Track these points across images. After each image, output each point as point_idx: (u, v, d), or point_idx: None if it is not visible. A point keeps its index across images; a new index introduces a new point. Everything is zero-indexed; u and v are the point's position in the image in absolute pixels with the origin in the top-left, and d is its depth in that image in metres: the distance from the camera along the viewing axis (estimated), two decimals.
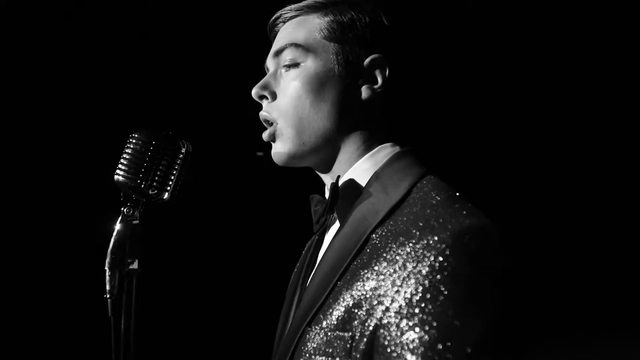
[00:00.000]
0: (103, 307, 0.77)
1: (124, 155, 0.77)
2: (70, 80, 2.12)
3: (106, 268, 0.76)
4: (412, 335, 0.54)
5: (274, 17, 0.83)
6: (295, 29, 0.78)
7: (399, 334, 0.55)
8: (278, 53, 0.78)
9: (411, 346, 0.53)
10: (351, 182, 0.75)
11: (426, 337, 0.53)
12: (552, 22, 2.64)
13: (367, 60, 0.75)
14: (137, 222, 0.78)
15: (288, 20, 0.81)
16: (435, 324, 0.53)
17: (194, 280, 2.22)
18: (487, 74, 2.59)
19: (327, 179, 0.81)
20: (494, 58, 2.57)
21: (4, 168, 2.04)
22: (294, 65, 0.76)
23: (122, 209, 0.78)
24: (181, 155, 0.79)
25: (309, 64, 0.75)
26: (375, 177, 0.73)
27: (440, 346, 0.52)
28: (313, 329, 0.65)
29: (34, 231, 2.06)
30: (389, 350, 0.55)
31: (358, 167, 0.76)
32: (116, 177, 0.77)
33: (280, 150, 0.78)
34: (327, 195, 0.80)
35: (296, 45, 0.75)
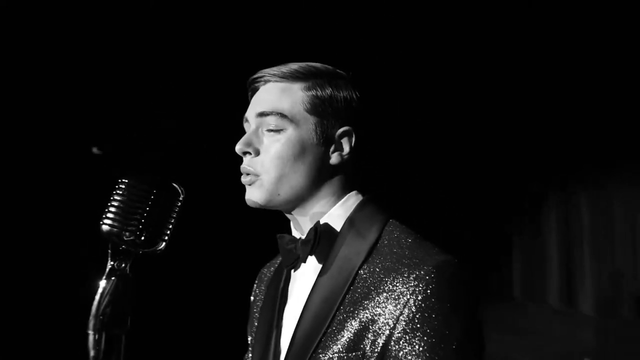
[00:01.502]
0: None
1: (116, 204, 0.69)
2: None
3: (90, 331, 0.68)
4: (417, 344, 0.72)
5: (257, 75, 0.91)
6: (280, 97, 0.86)
7: (407, 344, 0.72)
8: (262, 115, 0.87)
9: (419, 351, 0.72)
10: (328, 227, 0.87)
11: (427, 344, 0.72)
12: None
13: (339, 131, 0.88)
14: (129, 275, 0.70)
15: (269, 82, 0.89)
16: (432, 333, 0.72)
17: (179, 330, 2.02)
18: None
19: (298, 222, 0.91)
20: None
21: None
22: (277, 130, 0.85)
23: (111, 262, 0.70)
24: (179, 203, 0.74)
25: (291, 132, 0.85)
26: (349, 222, 0.87)
27: (437, 348, 0.72)
28: (323, 355, 0.77)
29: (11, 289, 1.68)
30: (399, 357, 0.72)
31: (332, 213, 0.88)
32: (106, 227, 0.69)
33: (256, 195, 0.87)
34: (295, 234, 0.92)
35: (282, 115, 0.85)
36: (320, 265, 0.85)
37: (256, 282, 1.08)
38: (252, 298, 1.07)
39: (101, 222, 0.70)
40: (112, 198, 0.70)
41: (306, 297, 0.84)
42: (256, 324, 0.97)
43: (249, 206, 0.89)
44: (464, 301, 0.75)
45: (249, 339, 1.05)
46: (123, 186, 0.70)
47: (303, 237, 0.88)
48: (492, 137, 3.86)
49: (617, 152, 3.60)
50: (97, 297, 0.68)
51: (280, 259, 1.05)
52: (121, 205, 0.69)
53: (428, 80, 2.96)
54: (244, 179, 0.88)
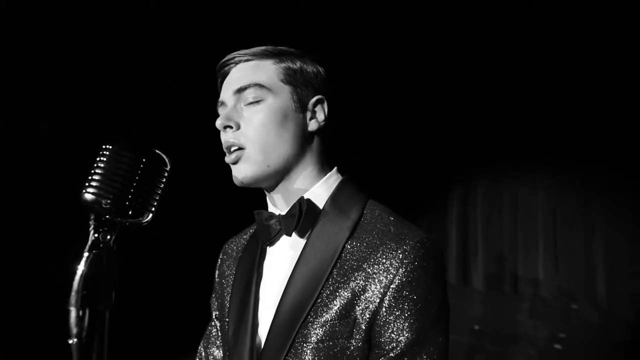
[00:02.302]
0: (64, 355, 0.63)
1: (100, 172, 0.64)
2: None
3: (72, 307, 0.63)
4: (406, 309, 0.79)
5: (226, 59, 0.92)
6: (254, 71, 0.89)
7: (397, 310, 0.79)
8: (240, 90, 0.88)
9: (407, 315, 0.79)
10: (312, 203, 0.89)
11: (414, 309, 0.79)
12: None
13: (312, 100, 0.92)
14: (113, 247, 0.66)
15: (240, 62, 0.91)
16: (418, 299, 0.80)
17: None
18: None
19: (275, 199, 0.92)
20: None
21: None
22: (257, 101, 0.87)
23: (94, 234, 0.65)
24: (166, 174, 0.71)
25: (271, 101, 0.88)
26: (331, 200, 0.90)
27: (422, 312, 0.80)
28: (314, 323, 0.80)
29: None
30: (389, 321, 0.79)
31: (314, 191, 0.90)
32: (89, 196, 0.64)
33: (246, 171, 0.87)
34: (273, 210, 0.92)
35: (260, 85, 0.88)
36: (301, 240, 0.87)
37: (221, 256, 1.06)
38: (217, 272, 1.05)
39: (84, 191, 0.65)
40: (95, 165, 0.65)
41: (286, 271, 0.86)
42: (228, 298, 0.96)
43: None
44: (441, 272, 0.84)
45: (214, 313, 1.04)
46: (107, 153, 0.66)
47: (283, 213, 0.89)
48: (411, 134, 4.17)
49: (509, 152, 4.14)
50: (79, 271, 0.64)
51: (246, 234, 1.05)
52: (106, 172, 0.65)
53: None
54: (229, 158, 0.87)
